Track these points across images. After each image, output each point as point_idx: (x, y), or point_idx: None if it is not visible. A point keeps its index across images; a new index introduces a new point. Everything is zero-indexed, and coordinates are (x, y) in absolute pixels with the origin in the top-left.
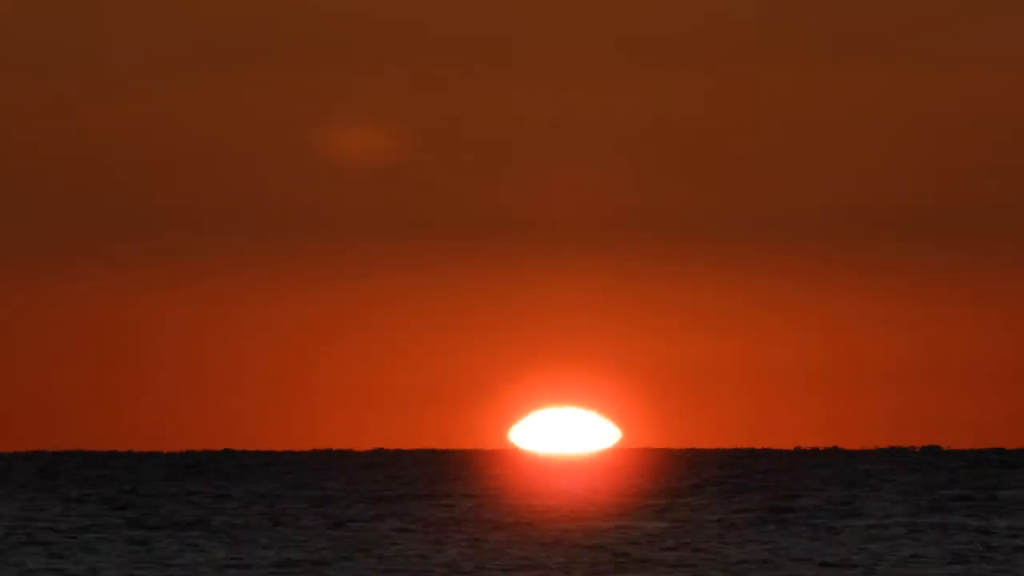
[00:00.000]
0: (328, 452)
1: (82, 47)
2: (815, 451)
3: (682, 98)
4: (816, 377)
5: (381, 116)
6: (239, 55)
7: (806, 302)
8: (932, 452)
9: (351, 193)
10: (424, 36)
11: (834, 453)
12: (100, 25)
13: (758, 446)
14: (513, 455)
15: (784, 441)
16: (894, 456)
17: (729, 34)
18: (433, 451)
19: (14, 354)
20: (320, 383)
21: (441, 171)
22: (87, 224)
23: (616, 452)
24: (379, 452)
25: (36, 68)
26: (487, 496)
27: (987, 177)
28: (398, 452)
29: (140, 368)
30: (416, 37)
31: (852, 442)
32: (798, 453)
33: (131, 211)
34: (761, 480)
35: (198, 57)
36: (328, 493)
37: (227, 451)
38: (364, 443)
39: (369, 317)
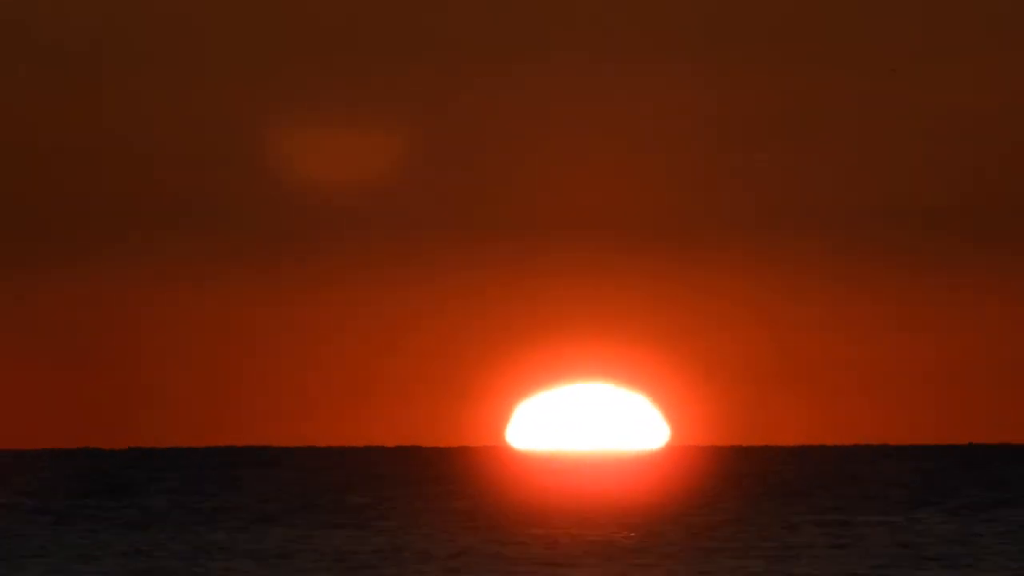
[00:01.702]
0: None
1: (82, 49)
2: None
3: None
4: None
5: (380, 117)
6: (248, 57)
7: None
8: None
9: (348, 194)
10: (424, 36)
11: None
12: (100, 24)
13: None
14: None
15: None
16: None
17: (732, 34)
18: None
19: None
20: (318, 378)
21: (443, 172)
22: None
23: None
24: (375, 449)
25: (38, 63)
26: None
27: None
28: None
29: (138, 366)
30: (418, 37)
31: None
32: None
33: (132, 211)
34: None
35: (200, 58)
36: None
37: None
38: (359, 439)
39: (366, 315)
